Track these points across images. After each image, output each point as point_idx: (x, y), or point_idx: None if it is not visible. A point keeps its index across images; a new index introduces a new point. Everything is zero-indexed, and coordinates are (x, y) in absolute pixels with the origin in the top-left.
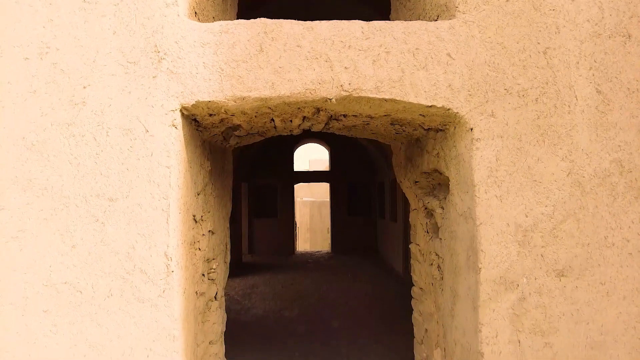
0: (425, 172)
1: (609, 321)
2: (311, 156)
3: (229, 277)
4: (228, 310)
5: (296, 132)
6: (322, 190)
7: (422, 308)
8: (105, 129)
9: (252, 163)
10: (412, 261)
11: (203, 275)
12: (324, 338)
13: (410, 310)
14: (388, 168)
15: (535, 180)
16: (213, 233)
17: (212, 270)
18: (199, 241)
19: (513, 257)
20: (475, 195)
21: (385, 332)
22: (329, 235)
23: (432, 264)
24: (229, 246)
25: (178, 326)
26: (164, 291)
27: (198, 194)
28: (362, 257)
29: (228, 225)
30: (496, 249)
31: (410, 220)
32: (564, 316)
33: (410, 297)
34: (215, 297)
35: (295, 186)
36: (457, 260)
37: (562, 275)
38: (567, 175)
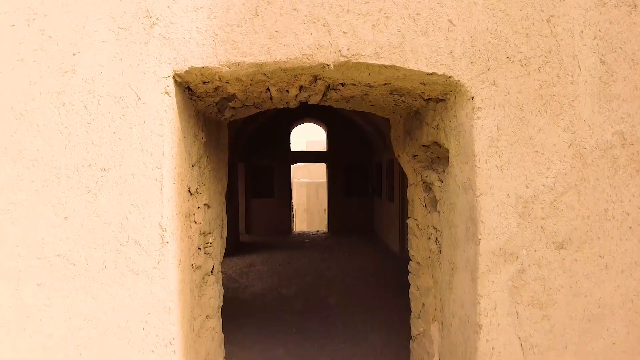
0: (424, 146)
1: (606, 294)
2: (308, 137)
3: (226, 256)
4: (226, 288)
5: (293, 104)
6: (319, 172)
7: (419, 282)
8: (96, 97)
9: (249, 143)
10: (409, 236)
11: (199, 249)
12: (321, 314)
13: (406, 287)
14: (385, 148)
15: (537, 151)
16: (209, 207)
17: (209, 244)
18: (194, 214)
19: (513, 229)
20: (476, 166)
21: (381, 308)
22: (325, 216)
23: (429, 238)
24: (225, 221)
25: (174, 298)
26: (158, 262)
27: (193, 166)
28: (359, 237)
29: (224, 200)
30: (496, 220)
31: (408, 195)
32: (562, 289)
33: (406, 275)
34: (211, 272)
35: (293, 167)
36: (455, 232)
37: (562, 248)
38: (569, 146)
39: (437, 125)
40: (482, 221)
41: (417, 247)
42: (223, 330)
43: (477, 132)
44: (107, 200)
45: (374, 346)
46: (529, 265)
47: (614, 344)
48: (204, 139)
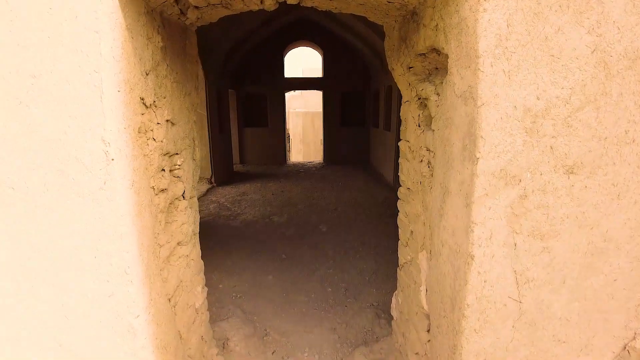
0: (420, 54)
1: (614, 227)
2: (305, 65)
3: (219, 185)
4: (218, 216)
5: (268, 3)
6: (315, 101)
7: (408, 209)
8: None
9: (240, 69)
10: (400, 160)
11: (163, 170)
12: (311, 241)
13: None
14: (384, 73)
15: (553, 56)
16: (173, 124)
17: (177, 166)
18: (152, 130)
19: (518, 147)
20: (479, 69)
21: (372, 237)
22: (321, 147)
23: (421, 161)
24: (197, 142)
25: (126, 222)
26: (105, 183)
27: (147, 74)
28: (354, 167)
29: (194, 118)
30: (499, 136)
31: (401, 114)
32: (567, 219)
33: None
34: (183, 196)
35: (288, 97)
36: (450, 151)
37: (571, 173)
38: (592, 52)
39: (436, 25)
40: (482, 137)
41: (408, 171)
42: (212, 257)
43: (482, 28)
44: (42, 113)
45: (362, 273)
46: (533, 191)
47: (615, 280)
48: (161, 43)
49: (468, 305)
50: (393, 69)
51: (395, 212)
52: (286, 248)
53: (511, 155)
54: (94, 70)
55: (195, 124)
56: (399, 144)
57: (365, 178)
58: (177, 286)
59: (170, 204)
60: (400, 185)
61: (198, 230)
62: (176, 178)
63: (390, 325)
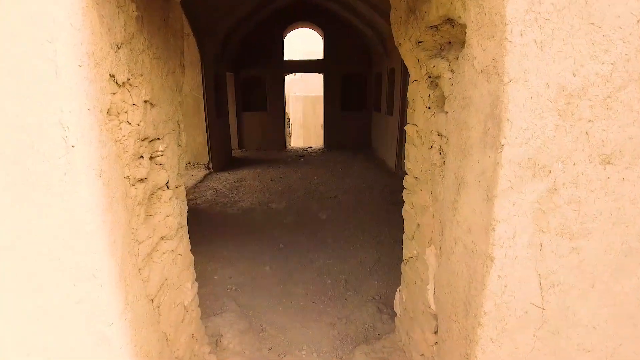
0: (432, 27)
1: None
2: (305, 48)
3: (217, 171)
4: (215, 203)
5: None
6: (316, 86)
7: (415, 200)
8: None
9: (238, 52)
10: (406, 146)
11: (142, 158)
12: (310, 229)
13: (400, 205)
14: (386, 55)
15: (593, 24)
16: (153, 105)
17: (159, 153)
18: (126, 112)
19: (549, 132)
20: (506, 39)
21: (373, 225)
22: (322, 132)
23: (432, 147)
24: (181, 126)
25: (92, 219)
26: (65, 174)
27: (118, 47)
28: (355, 152)
29: (179, 100)
30: (528, 119)
31: (408, 95)
32: (600, 215)
33: (402, 192)
34: (167, 186)
35: (289, 81)
36: (468, 136)
37: (608, 163)
38: (638, 21)
39: None
40: (508, 119)
41: (416, 158)
42: (208, 246)
43: None
44: None
45: (363, 264)
46: (564, 184)
47: None
48: (136, 13)
49: (485, 312)
50: (400, 44)
51: (397, 200)
52: (284, 237)
53: (541, 141)
54: (47, 40)
55: (180, 105)
56: (405, 128)
57: (366, 164)
58: (162, 285)
59: (151, 194)
60: (406, 174)
61: (186, 222)
62: (158, 166)
63: (392, 320)
